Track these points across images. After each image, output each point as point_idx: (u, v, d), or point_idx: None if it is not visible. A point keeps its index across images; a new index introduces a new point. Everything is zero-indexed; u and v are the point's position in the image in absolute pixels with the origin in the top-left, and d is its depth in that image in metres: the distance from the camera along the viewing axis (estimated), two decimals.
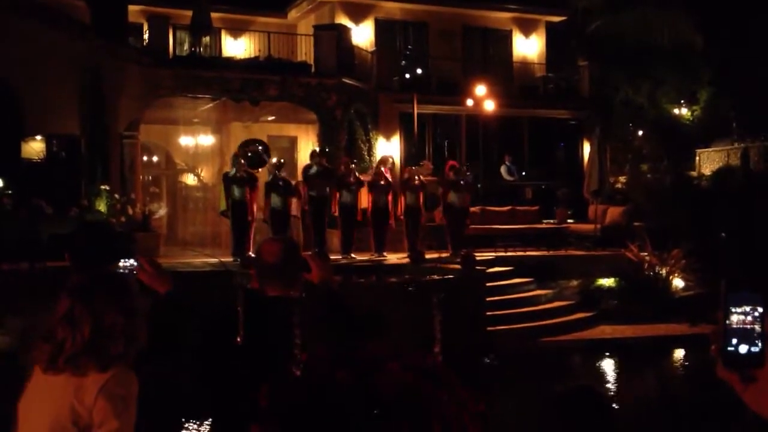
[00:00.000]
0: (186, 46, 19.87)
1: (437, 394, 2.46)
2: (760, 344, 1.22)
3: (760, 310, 1.23)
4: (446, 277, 12.09)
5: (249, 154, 14.56)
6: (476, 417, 2.42)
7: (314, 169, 14.58)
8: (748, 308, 1.23)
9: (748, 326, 1.23)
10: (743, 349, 1.23)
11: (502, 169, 20.65)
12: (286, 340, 2.74)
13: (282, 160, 15.96)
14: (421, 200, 15.17)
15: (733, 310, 1.24)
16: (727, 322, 1.24)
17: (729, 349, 1.23)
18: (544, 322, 13.11)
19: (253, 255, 12.45)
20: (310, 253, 12.59)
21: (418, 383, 2.46)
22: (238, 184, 14.16)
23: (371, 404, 2.39)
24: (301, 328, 2.74)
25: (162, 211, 19.13)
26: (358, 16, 21.43)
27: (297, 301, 2.92)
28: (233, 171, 14.25)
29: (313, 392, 2.47)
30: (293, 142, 22.40)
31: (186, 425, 7.19)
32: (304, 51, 19.94)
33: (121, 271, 2.99)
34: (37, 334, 2.43)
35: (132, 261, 3.02)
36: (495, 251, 15.29)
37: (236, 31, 21.75)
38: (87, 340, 2.35)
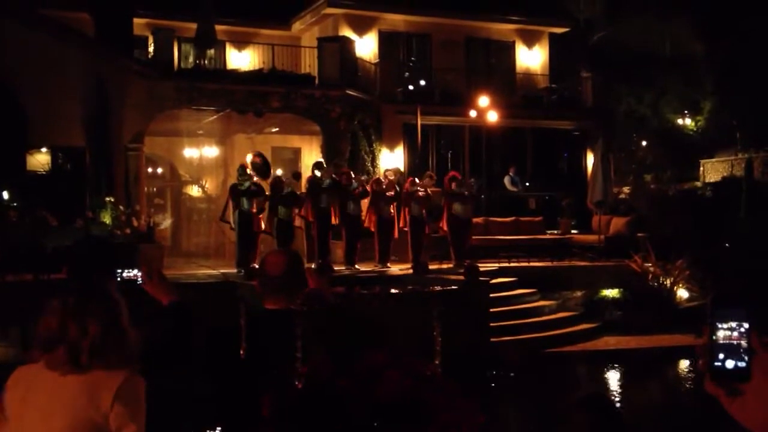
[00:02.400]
0: (191, 59, 19.97)
1: (436, 401, 2.47)
2: (746, 359, 1.24)
3: (746, 325, 1.25)
4: (450, 287, 12.09)
5: (256, 167, 14.59)
6: (475, 427, 2.43)
7: (327, 181, 14.62)
8: (734, 324, 1.25)
9: (734, 341, 1.25)
10: (730, 364, 1.25)
11: (506, 180, 20.68)
12: (287, 354, 2.75)
13: (299, 173, 16.00)
14: (425, 211, 15.19)
15: (719, 325, 1.26)
16: (714, 337, 1.26)
17: (716, 364, 1.25)
18: (547, 333, 13.08)
19: (257, 267, 12.49)
20: (312, 266, 12.49)
21: (417, 390, 2.48)
22: (247, 196, 14.19)
23: (371, 412, 2.40)
24: (302, 340, 2.76)
25: (166, 223, 19.19)
26: (361, 28, 21.52)
27: (298, 313, 2.93)
28: (246, 183, 14.25)
29: (314, 400, 2.49)
30: (297, 153, 22.46)
31: None
32: (308, 63, 20.02)
33: (125, 279, 3.03)
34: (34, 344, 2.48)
35: (136, 271, 3.05)
36: (499, 262, 15.28)
37: (240, 43, 21.85)
38: (102, 334, 2.43)
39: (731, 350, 1.25)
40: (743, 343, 1.25)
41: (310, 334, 2.82)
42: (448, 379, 2.61)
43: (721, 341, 1.25)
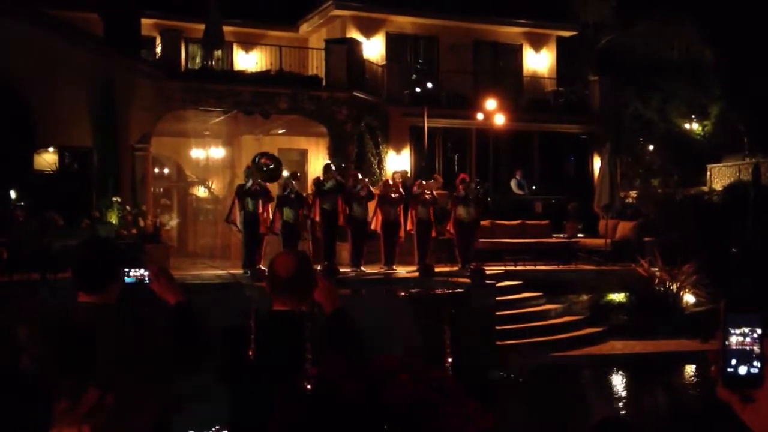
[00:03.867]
0: (198, 60, 20.01)
1: (445, 406, 2.46)
2: (758, 365, 1.23)
3: (759, 331, 1.24)
4: (456, 290, 12.07)
5: (264, 168, 14.56)
6: (483, 431, 2.42)
7: (329, 183, 14.62)
8: (747, 329, 1.25)
9: (747, 347, 1.24)
10: (742, 370, 1.24)
11: (512, 183, 20.66)
12: (297, 355, 2.74)
13: (298, 174, 16.03)
14: (431, 214, 15.17)
15: (732, 331, 1.25)
16: (726, 343, 1.25)
17: (728, 369, 1.24)
18: (553, 337, 13.05)
19: (264, 268, 12.50)
20: (318, 267, 12.43)
21: (427, 396, 2.46)
22: (252, 197, 14.20)
23: (381, 417, 2.38)
24: (311, 342, 2.74)
25: (173, 223, 19.20)
26: (369, 30, 21.53)
27: (308, 315, 2.91)
28: (248, 184, 14.28)
29: (324, 405, 2.47)
30: (303, 154, 22.47)
31: None
32: (315, 65, 20.03)
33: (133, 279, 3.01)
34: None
35: (142, 270, 3.04)
36: (505, 265, 15.25)
37: (248, 44, 21.88)
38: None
39: (744, 356, 1.24)
40: (756, 348, 1.24)
41: (318, 335, 2.81)
42: (457, 383, 2.59)
43: (734, 347, 1.25)
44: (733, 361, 1.24)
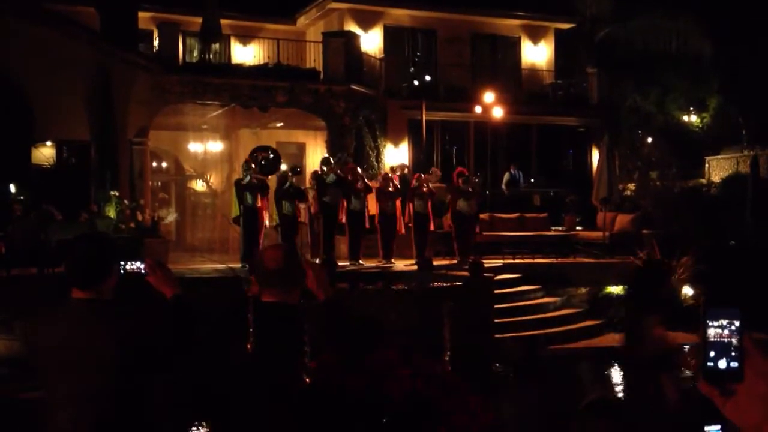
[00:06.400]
0: (195, 53, 19.95)
1: (446, 402, 2.45)
2: (738, 359, 1.23)
3: (737, 323, 1.24)
4: (454, 284, 12.07)
5: (262, 162, 14.54)
6: (485, 427, 2.41)
7: (331, 177, 14.59)
8: (725, 322, 1.24)
9: (726, 340, 1.24)
10: (722, 363, 1.24)
11: (506, 177, 20.67)
12: (295, 348, 2.73)
13: (298, 168, 16.02)
14: (430, 207, 15.16)
15: (711, 324, 1.25)
16: (706, 336, 1.25)
17: (708, 364, 1.24)
18: (552, 330, 13.05)
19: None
20: (316, 261, 12.44)
21: (427, 390, 2.45)
22: (250, 191, 14.19)
23: (381, 411, 2.38)
24: (309, 335, 2.74)
25: (171, 217, 19.18)
26: (366, 23, 21.48)
27: (305, 308, 2.91)
28: (246, 178, 14.27)
29: (324, 399, 2.47)
30: (302, 148, 22.45)
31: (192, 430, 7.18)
32: (313, 58, 19.99)
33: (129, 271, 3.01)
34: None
35: (139, 263, 3.03)
36: (503, 258, 15.25)
37: (245, 38, 21.83)
38: None
39: (723, 349, 1.24)
40: (734, 341, 1.24)
41: (314, 329, 2.80)
42: (458, 378, 2.59)
43: (712, 339, 1.25)
44: (712, 354, 1.25)
